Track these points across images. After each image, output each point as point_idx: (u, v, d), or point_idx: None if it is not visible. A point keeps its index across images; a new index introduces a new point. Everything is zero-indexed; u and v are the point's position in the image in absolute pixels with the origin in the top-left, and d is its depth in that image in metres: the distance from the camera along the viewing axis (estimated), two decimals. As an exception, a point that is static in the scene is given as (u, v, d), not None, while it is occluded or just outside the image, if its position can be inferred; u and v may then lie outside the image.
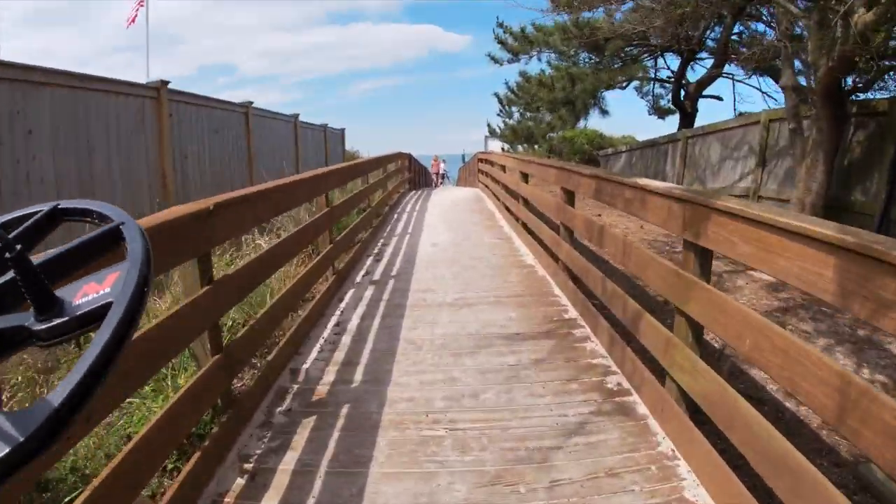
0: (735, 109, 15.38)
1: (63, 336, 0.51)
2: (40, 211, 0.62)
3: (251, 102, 9.26)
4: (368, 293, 4.50)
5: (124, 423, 2.41)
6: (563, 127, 13.79)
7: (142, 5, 13.08)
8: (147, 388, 2.52)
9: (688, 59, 14.34)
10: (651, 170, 13.29)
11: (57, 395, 0.44)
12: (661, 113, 17.38)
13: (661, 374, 2.56)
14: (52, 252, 0.58)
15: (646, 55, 14.28)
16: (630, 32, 9.79)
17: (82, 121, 5.81)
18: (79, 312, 0.51)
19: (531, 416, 2.58)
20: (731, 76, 14.98)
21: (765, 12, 13.08)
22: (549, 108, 13.10)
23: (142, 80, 6.84)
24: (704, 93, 15.31)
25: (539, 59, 12.67)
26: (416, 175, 17.48)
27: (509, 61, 12.84)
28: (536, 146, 16.64)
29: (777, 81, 14.30)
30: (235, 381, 2.87)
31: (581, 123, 15.01)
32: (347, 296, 4.44)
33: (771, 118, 8.97)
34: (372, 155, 17.36)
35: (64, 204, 0.64)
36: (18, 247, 0.50)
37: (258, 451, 2.37)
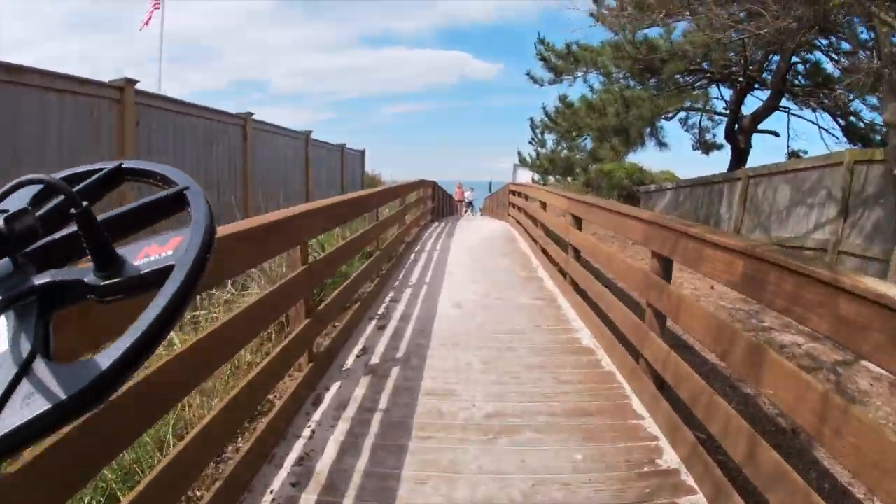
0: (788, 146, 13.94)
1: (120, 295, 0.50)
2: (104, 168, 0.61)
3: (251, 113, 8.00)
4: (359, 393, 3.07)
5: None
6: (616, 158, 12.26)
7: (157, 7, 12.17)
8: None
9: (745, 88, 12.88)
10: (702, 211, 11.75)
11: (108, 356, 0.42)
12: (707, 147, 15.93)
13: None
14: (114, 210, 0.57)
15: (702, 83, 12.83)
16: (692, 53, 8.39)
17: (7, 121, 4.57)
18: (139, 273, 0.49)
19: None
20: (786, 109, 13.54)
21: (823, 43, 11.70)
22: (599, 135, 11.58)
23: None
24: (759, 127, 13.86)
25: (585, 81, 11.36)
26: (440, 203, 16.18)
27: (550, 82, 11.50)
28: (571, 178, 15.17)
29: (834, 117, 12.89)
30: None
31: (630, 155, 13.50)
32: (328, 397, 3.01)
33: (856, 159, 7.42)
34: (395, 178, 16.05)
35: (128, 163, 0.61)
36: (85, 203, 0.49)
37: None
